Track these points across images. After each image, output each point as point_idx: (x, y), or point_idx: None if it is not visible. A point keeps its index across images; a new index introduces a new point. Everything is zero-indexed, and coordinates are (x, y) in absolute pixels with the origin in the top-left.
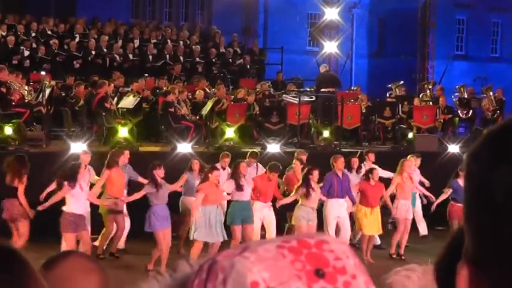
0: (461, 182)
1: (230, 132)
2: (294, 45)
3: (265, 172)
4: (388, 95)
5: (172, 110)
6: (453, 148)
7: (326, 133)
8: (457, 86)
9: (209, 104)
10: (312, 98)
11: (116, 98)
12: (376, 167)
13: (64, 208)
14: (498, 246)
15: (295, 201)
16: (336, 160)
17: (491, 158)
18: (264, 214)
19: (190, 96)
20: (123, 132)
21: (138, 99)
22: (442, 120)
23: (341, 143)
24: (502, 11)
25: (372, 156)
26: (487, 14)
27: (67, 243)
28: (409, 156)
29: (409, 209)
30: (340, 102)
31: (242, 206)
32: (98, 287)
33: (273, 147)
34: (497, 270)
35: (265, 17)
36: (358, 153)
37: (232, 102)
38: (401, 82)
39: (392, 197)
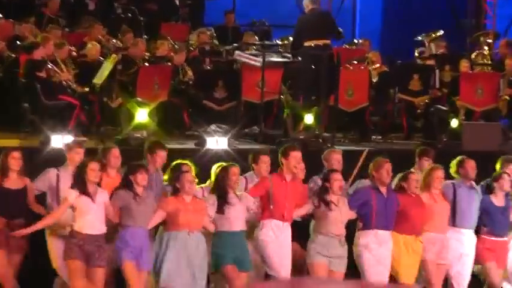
0: (494, 199)
1: (143, 115)
2: None
3: (281, 170)
4: (417, 54)
5: (43, 74)
6: None
7: (309, 118)
8: None
9: (107, 67)
10: (286, 57)
11: None
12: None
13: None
14: None
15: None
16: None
17: None
18: (280, 239)
19: (75, 53)
20: None
21: None
22: (508, 98)
23: (335, 135)
24: None
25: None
26: None
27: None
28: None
29: (443, 249)
30: (335, 66)
31: (232, 240)
32: None
33: (218, 142)
34: None
35: None
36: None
37: (146, 64)
38: (441, 32)
39: None
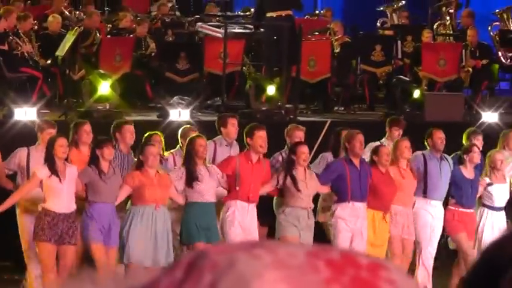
0: (465, 171)
1: (105, 88)
2: None
3: (247, 150)
4: (379, 24)
5: (5, 47)
6: (489, 117)
7: (271, 89)
8: (498, 11)
9: (69, 39)
10: (248, 29)
11: None
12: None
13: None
14: None
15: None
16: (352, 137)
17: None
18: (246, 221)
19: (37, 26)
20: None
21: None
22: (470, 69)
23: (297, 106)
24: None
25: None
26: None
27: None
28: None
29: (409, 222)
30: (297, 37)
31: (203, 211)
32: None
33: (180, 114)
34: None
35: None
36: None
37: (108, 36)
38: (403, 2)
39: None
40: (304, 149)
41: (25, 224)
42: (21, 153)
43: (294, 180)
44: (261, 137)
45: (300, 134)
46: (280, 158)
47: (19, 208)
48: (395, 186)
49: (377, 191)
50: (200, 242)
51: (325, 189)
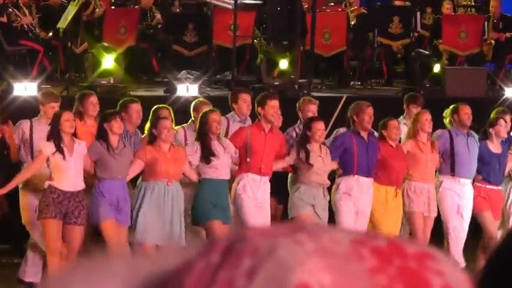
0: (491, 145)
1: (109, 62)
2: None
3: (259, 120)
4: None
5: (4, 19)
6: None
7: (284, 63)
8: None
9: (71, 10)
10: None
11: None
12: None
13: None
14: None
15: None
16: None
17: None
18: (258, 195)
19: None
20: None
21: None
22: (493, 42)
23: (311, 81)
24: None
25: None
26: None
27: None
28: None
29: (430, 198)
30: (310, 8)
31: (217, 188)
32: None
33: (188, 89)
34: None
35: None
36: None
37: (112, 7)
38: None
39: None
40: (320, 125)
41: (27, 201)
42: (23, 126)
43: (307, 155)
44: (273, 106)
45: (312, 108)
46: (293, 134)
47: (21, 184)
48: (406, 160)
49: (387, 165)
50: (217, 221)
51: (334, 165)
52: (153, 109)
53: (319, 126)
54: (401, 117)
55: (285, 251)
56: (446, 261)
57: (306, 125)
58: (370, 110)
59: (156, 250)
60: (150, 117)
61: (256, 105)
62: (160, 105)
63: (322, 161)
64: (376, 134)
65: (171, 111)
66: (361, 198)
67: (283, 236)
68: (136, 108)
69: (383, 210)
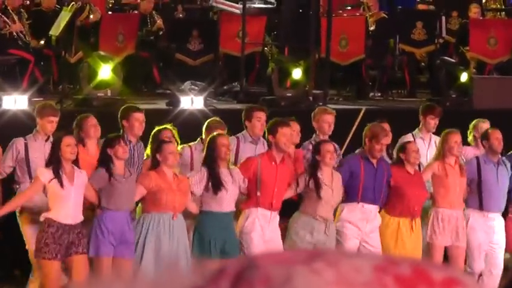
0: None
1: (106, 72)
2: None
3: (269, 149)
4: None
5: None
6: None
7: (297, 73)
8: None
9: (65, 16)
10: (270, 3)
11: None
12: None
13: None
14: None
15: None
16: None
17: None
18: (267, 232)
19: (29, 1)
20: None
21: None
22: None
23: (327, 92)
24: None
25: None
26: None
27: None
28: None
29: (459, 227)
30: (325, 12)
31: (220, 224)
32: None
33: (193, 102)
34: None
35: None
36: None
37: (110, 13)
38: None
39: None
40: (329, 147)
41: (29, 230)
42: (18, 145)
43: (317, 184)
44: (285, 134)
45: (329, 119)
46: (310, 147)
47: (22, 217)
48: (425, 190)
49: (402, 194)
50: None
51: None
52: (153, 132)
53: (329, 148)
54: (417, 130)
55: (301, 281)
56: (472, 285)
57: (314, 148)
58: (385, 140)
59: (160, 276)
60: (150, 140)
61: (267, 132)
62: (161, 127)
63: (331, 193)
64: (386, 158)
65: (175, 132)
66: (367, 228)
67: (298, 263)
68: (138, 117)
69: (395, 246)
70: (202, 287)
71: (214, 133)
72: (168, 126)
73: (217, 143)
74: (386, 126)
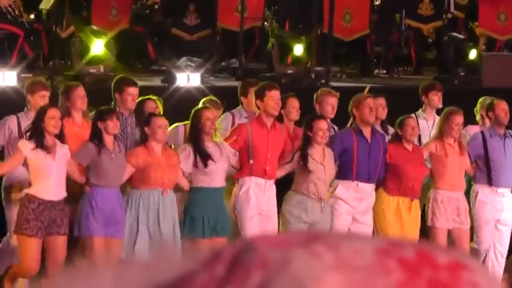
0: None
1: (99, 47)
2: None
3: (259, 115)
4: None
5: None
6: None
7: (299, 49)
8: None
9: None
10: None
11: None
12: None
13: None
14: None
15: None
16: (362, 103)
17: None
18: (263, 201)
19: None
20: None
21: None
22: None
23: (330, 69)
24: None
25: None
26: None
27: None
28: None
29: (460, 208)
30: None
31: (211, 199)
32: None
33: (189, 78)
34: None
35: None
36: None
37: None
38: None
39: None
40: (323, 124)
41: (12, 216)
42: (9, 123)
43: (306, 160)
44: (273, 97)
45: (332, 101)
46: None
47: (4, 193)
48: (425, 167)
49: (400, 172)
50: (205, 239)
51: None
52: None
53: (322, 126)
54: (420, 110)
55: (300, 265)
56: (482, 272)
57: (306, 124)
58: (370, 101)
59: (150, 259)
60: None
61: (254, 97)
62: (145, 97)
63: (323, 170)
64: (380, 130)
65: (159, 104)
66: (360, 205)
67: (297, 246)
68: (132, 92)
69: (395, 226)
70: (196, 272)
71: (199, 105)
72: (152, 96)
73: (202, 116)
74: (383, 101)
